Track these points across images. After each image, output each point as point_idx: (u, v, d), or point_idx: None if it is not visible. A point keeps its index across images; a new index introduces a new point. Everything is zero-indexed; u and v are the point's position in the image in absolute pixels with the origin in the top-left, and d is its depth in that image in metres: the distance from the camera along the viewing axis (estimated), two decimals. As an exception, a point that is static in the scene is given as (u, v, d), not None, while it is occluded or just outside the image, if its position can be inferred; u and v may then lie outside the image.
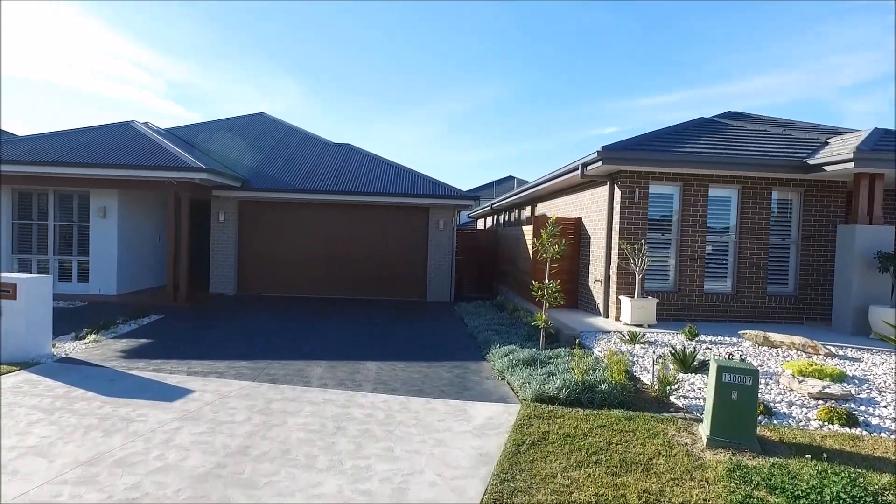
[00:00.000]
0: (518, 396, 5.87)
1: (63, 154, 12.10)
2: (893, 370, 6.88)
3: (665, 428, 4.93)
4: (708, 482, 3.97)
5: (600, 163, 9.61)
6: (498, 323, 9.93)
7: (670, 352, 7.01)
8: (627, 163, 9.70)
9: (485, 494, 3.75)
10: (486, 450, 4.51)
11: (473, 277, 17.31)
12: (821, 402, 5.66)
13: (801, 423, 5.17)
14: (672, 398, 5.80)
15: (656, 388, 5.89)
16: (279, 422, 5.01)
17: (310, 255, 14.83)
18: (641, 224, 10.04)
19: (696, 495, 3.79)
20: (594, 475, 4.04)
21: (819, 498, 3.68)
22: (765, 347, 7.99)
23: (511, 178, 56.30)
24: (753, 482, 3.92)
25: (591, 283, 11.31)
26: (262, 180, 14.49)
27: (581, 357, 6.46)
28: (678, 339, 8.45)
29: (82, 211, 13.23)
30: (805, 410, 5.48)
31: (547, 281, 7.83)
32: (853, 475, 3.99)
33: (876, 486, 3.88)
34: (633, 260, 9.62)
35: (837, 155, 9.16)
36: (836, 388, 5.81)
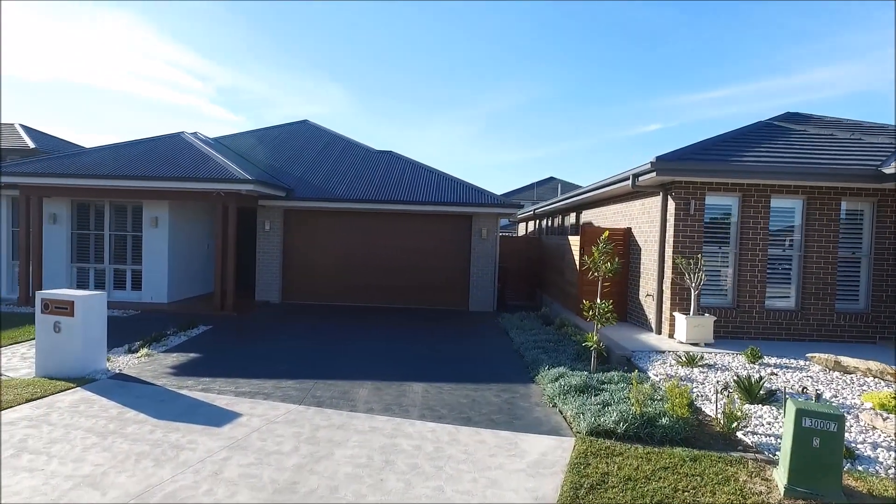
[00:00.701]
0: (572, 428, 5.59)
1: (118, 167, 12.48)
2: None
3: (735, 472, 4.57)
4: (790, 543, 3.62)
5: (653, 174, 9.19)
6: (545, 339, 9.62)
7: (734, 379, 6.58)
8: (682, 173, 9.23)
9: (544, 549, 3.52)
10: (542, 492, 4.27)
11: (516, 284, 16.99)
12: (909, 443, 5.16)
13: (889, 471, 4.70)
14: (739, 434, 5.40)
15: (721, 422, 5.51)
16: (326, 453, 4.90)
17: (353, 264, 14.85)
18: (697, 237, 9.55)
19: (778, 559, 3.45)
20: (661, 529, 3.74)
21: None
22: (837, 373, 7.43)
23: (552, 179, 55.44)
24: (842, 545, 3.54)
25: (641, 297, 10.86)
26: (306, 189, 14.60)
27: (637, 384, 6.12)
28: (739, 361, 7.97)
29: (136, 221, 13.63)
30: (894, 455, 5.00)
31: (599, 300, 7.49)
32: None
33: None
34: (689, 275, 9.15)
35: (917, 163, 8.46)
36: (925, 428, 5.29)
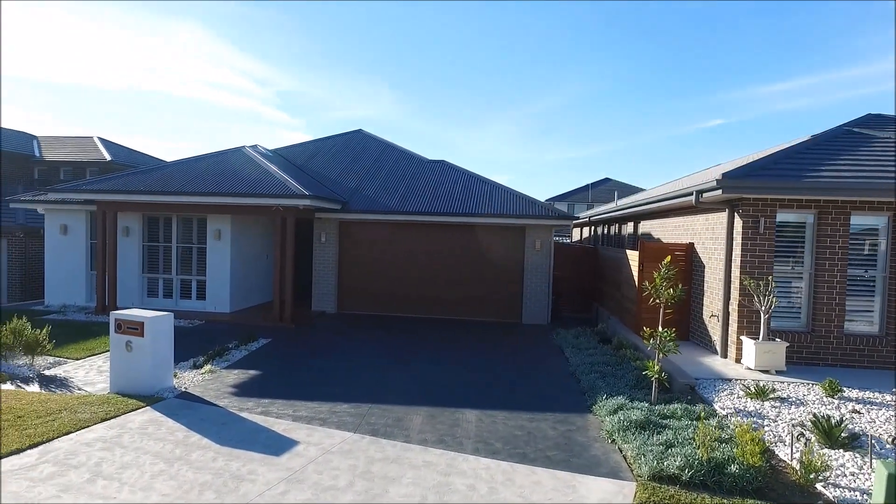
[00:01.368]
0: (632, 471, 5.35)
1: (184, 184, 13.06)
2: None
3: (815, 534, 4.23)
4: None
5: (719, 191, 8.73)
6: (602, 362, 9.32)
7: (810, 419, 6.12)
8: (751, 191, 8.72)
9: None
10: (602, 548, 4.09)
11: (572, 294, 16.60)
12: None
13: None
14: (819, 485, 5.02)
15: (798, 471, 5.14)
16: (380, 490, 4.90)
17: (407, 275, 14.94)
18: (767, 257, 8.99)
19: None
20: None
21: None
22: (929, 412, 6.80)
23: (607, 180, 54.11)
24: None
25: (705, 317, 10.35)
26: (360, 202, 14.80)
27: (703, 424, 5.80)
28: (815, 394, 7.43)
29: (200, 233, 14.24)
30: None
31: (661, 328, 7.17)
32: None
33: None
34: (758, 298, 8.62)
35: None
36: None
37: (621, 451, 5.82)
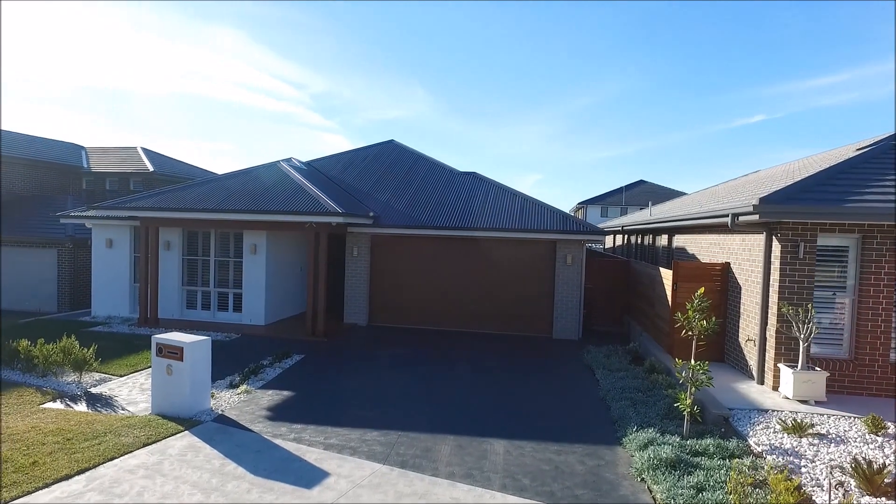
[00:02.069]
0: (662, 515, 5.29)
1: (222, 202, 13.45)
2: None
3: None
4: None
5: (755, 216, 8.51)
6: (633, 387, 9.20)
7: (850, 463, 5.93)
8: (790, 216, 8.47)
9: None
10: None
11: (603, 306, 16.38)
12: None
13: None
14: (857, 539, 4.87)
15: (835, 522, 4.99)
16: (408, 530, 4.98)
17: (437, 288, 15.03)
18: (807, 283, 8.71)
19: None
20: None
21: None
22: (980, 455, 6.48)
23: (642, 182, 53.17)
24: None
25: (741, 340, 10.10)
26: (391, 216, 14.97)
27: (736, 466, 5.67)
28: (857, 430, 7.17)
29: (237, 248, 14.65)
30: None
31: (693, 361, 7.04)
32: None
33: None
34: (797, 325, 8.36)
35: None
36: None
37: (651, 492, 5.76)
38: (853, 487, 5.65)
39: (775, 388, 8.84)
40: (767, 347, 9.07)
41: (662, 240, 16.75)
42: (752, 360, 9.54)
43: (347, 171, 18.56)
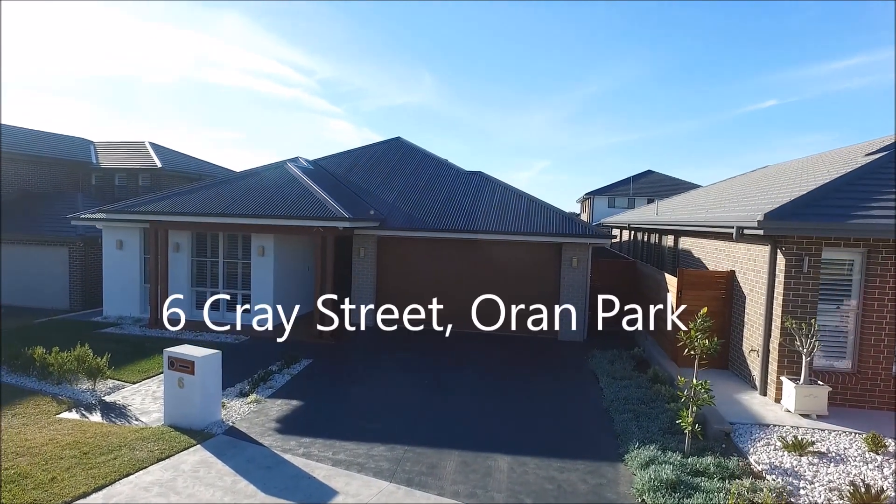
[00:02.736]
0: (661, 540, 5.43)
1: (229, 206, 13.58)
2: None
3: None
4: None
5: (760, 231, 8.53)
6: (637, 398, 9.30)
7: (848, 488, 6.03)
8: (795, 231, 8.48)
9: None
10: None
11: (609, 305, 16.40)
12: None
13: None
14: (851, 567, 4.98)
15: (831, 550, 5.10)
16: (414, 554, 5.15)
17: (442, 289, 15.12)
18: (811, 297, 8.75)
19: None
20: None
21: None
22: (979, 476, 6.56)
23: (650, 172, 52.80)
24: None
25: (745, 349, 10.17)
26: (398, 219, 15.06)
27: (735, 487, 5.78)
28: (857, 448, 7.26)
29: (245, 249, 14.81)
30: None
31: (695, 381, 7.13)
32: None
33: None
34: (800, 339, 8.42)
35: None
36: None
37: (651, 514, 5.89)
38: (850, 511, 5.75)
39: (777, 400, 8.93)
40: (770, 360, 9.14)
41: (669, 240, 16.75)
42: (756, 371, 9.62)
43: (354, 170, 18.63)
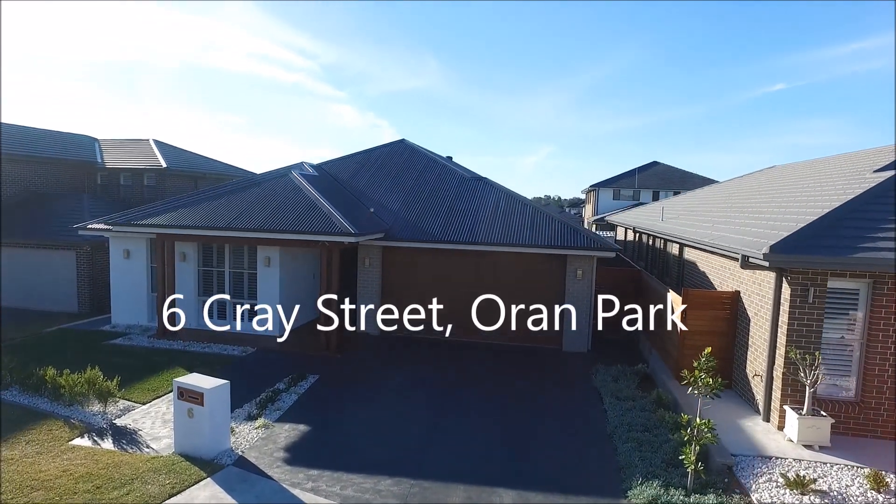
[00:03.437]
0: (662, 592, 5.54)
1: (234, 219, 13.62)
2: None
3: None
4: None
5: (765, 263, 8.52)
6: (640, 423, 9.38)
7: (849, 536, 6.10)
8: (800, 264, 8.47)
9: None
10: None
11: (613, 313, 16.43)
12: None
13: None
14: None
15: None
16: None
17: (446, 299, 15.17)
18: (816, 326, 8.76)
19: None
20: None
21: None
22: (979, 519, 6.63)
23: (655, 163, 52.41)
24: None
25: (749, 373, 10.21)
26: (403, 229, 15.08)
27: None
28: (860, 486, 7.33)
29: (251, 260, 14.90)
30: None
31: (698, 420, 7.20)
32: None
33: None
34: (803, 370, 8.45)
35: None
36: None
37: (653, 560, 6.00)
38: (850, 561, 5.83)
39: (780, 427, 8.99)
40: (774, 388, 9.19)
41: (674, 248, 16.73)
42: (759, 396, 9.67)
43: (359, 175, 18.61)
